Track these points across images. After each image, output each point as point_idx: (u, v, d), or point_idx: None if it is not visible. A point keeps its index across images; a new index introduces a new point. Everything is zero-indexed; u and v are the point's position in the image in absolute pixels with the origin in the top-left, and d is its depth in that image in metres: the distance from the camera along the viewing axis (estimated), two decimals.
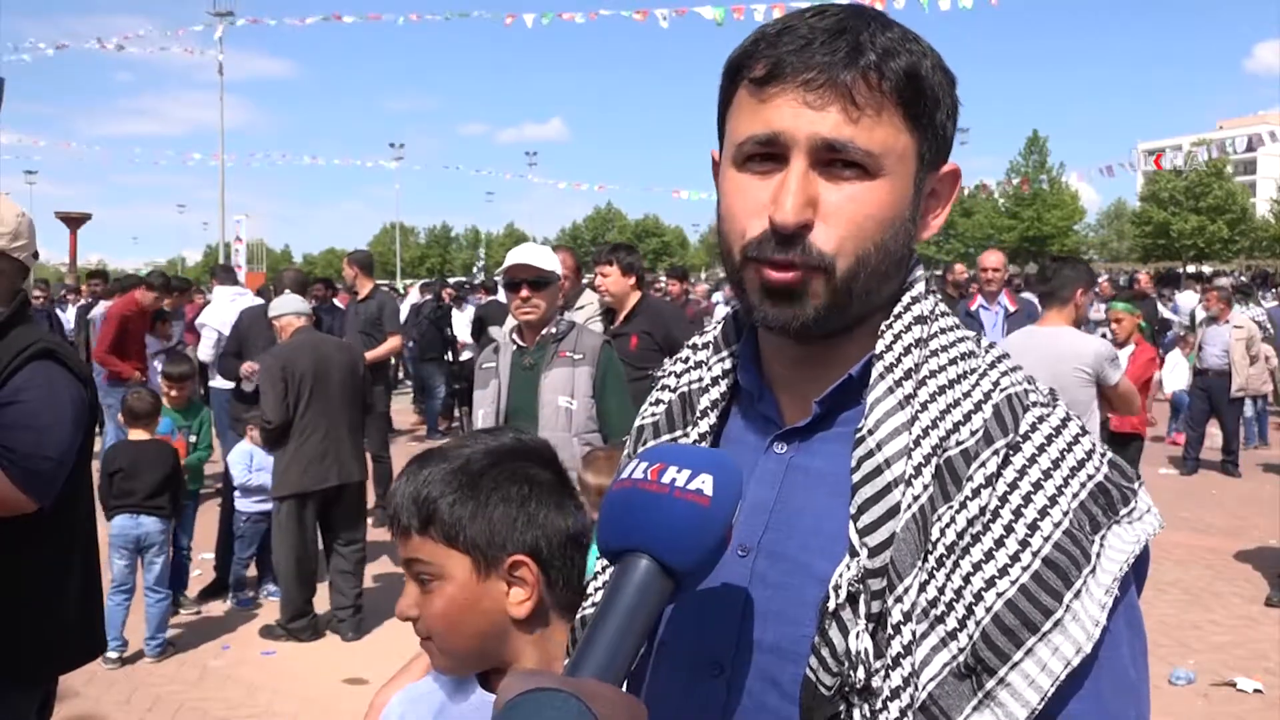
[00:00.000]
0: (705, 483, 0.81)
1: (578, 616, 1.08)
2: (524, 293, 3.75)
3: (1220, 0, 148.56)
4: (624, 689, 0.78)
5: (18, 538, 2.34)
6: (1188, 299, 17.15)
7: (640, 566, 0.79)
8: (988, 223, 59.26)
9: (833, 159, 0.87)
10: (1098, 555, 0.84)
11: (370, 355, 6.91)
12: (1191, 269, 41.25)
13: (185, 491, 5.54)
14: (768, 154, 0.89)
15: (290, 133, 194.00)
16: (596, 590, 1.06)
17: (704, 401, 1.02)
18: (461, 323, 12.66)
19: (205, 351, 8.20)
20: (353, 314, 7.93)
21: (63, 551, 2.48)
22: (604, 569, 1.05)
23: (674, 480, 0.81)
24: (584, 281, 5.95)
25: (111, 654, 5.01)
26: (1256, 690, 4.83)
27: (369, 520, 6.18)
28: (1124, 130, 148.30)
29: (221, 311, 8.19)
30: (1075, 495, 0.86)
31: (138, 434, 5.33)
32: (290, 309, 5.73)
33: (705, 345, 1.07)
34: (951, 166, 0.96)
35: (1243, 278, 21.77)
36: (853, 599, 0.84)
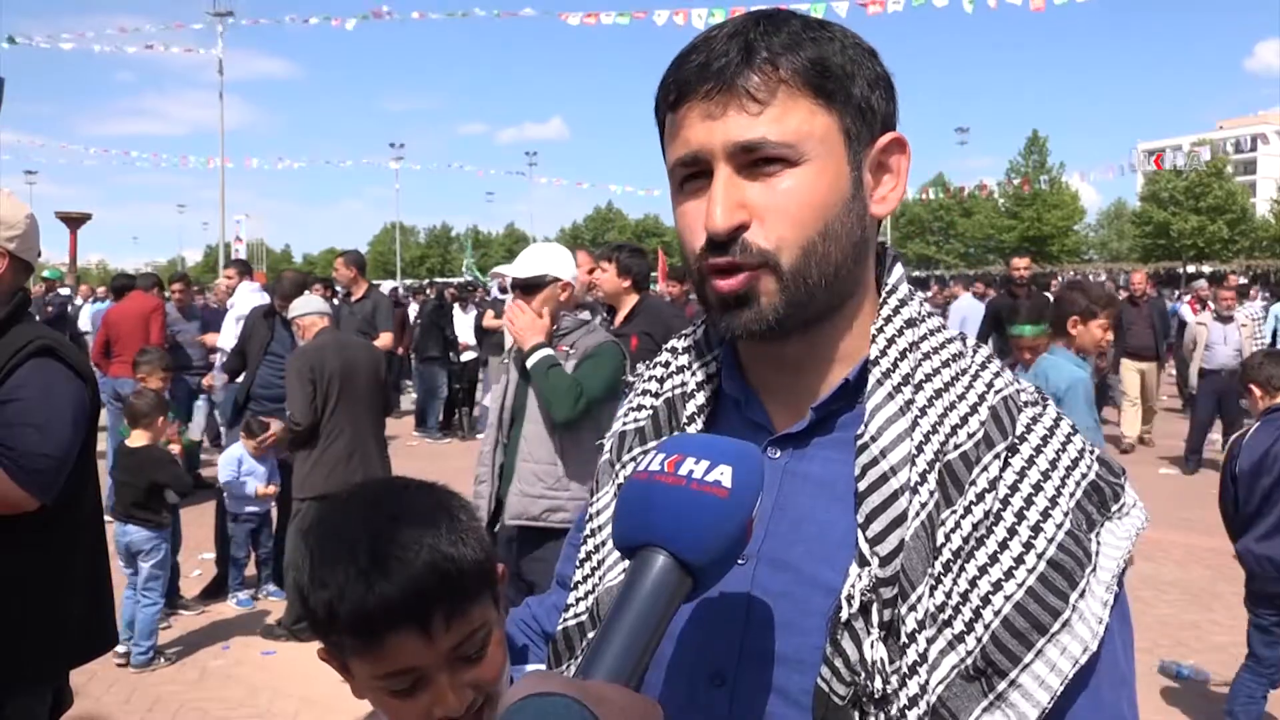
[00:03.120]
0: (724, 474, 0.77)
1: (559, 628, 1.05)
2: (517, 298, 3.94)
3: (1220, 0, 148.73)
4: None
5: (21, 536, 2.35)
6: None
7: (656, 563, 0.76)
8: (988, 223, 59.31)
9: (754, 159, 0.88)
10: (1097, 553, 0.86)
11: None
12: (1191, 269, 41.25)
13: (167, 502, 5.30)
14: (696, 173, 0.91)
15: (290, 133, 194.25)
16: (578, 600, 1.04)
17: (689, 408, 1.01)
18: (464, 324, 12.89)
19: (230, 340, 8.22)
20: (347, 313, 7.95)
21: (68, 548, 2.48)
22: (590, 569, 1.04)
23: (691, 472, 0.78)
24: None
25: (120, 647, 4.95)
26: None
27: None
28: (1124, 130, 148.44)
29: (250, 303, 8.25)
30: (1072, 495, 0.88)
31: (137, 436, 5.31)
32: (313, 309, 5.63)
33: (685, 350, 1.06)
34: (892, 136, 0.94)
35: (1242, 279, 21.73)
36: (864, 608, 0.84)
